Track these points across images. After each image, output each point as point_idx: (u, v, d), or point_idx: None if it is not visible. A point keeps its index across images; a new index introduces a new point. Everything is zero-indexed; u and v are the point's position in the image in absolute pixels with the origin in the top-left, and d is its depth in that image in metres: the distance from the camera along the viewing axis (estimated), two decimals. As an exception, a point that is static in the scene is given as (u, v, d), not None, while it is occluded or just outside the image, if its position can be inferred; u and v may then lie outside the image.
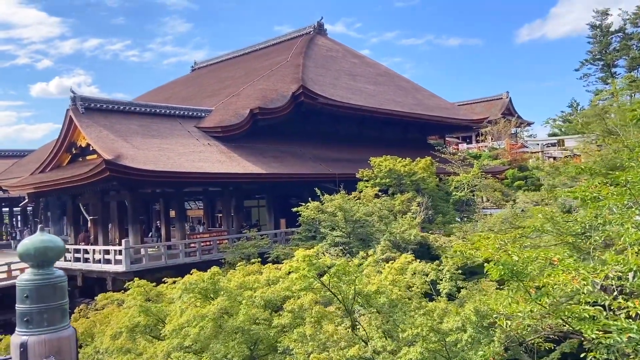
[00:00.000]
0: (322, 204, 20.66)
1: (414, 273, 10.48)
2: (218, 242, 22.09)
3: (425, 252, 19.51)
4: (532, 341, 8.25)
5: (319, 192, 21.25)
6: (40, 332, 3.46)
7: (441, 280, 11.37)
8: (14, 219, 45.77)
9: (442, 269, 11.64)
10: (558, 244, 8.86)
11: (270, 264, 16.05)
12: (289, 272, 9.52)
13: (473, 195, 25.41)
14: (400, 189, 23.51)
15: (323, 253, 20.20)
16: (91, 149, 21.57)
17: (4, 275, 22.73)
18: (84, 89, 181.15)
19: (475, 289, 10.79)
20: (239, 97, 28.06)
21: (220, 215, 31.42)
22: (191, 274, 13.19)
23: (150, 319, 8.47)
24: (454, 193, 23.44)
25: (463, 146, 49.89)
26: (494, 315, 6.83)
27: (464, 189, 22.94)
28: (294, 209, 21.52)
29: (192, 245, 21.43)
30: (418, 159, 25.07)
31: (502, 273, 5.55)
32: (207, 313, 7.43)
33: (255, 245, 20.50)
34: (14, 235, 34.60)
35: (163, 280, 12.25)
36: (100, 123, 21.50)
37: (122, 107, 23.23)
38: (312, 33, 36.51)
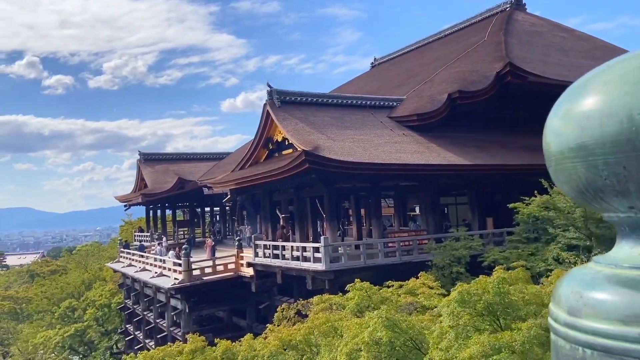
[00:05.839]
0: (552, 198, 16.85)
1: None
2: (418, 242, 19.76)
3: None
4: None
5: (546, 184, 17.47)
6: None
7: None
8: (213, 218, 49.82)
9: None
10: None
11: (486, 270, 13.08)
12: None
13: None
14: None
15: (554, 258, 16.54)
16: (287, 143, 21.01)
17: (210, 270, 23.57)
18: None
19: None
20: (433, 82, 25.38)
21: (411, 213, 29.08)
22: (417, 277, 10.94)
23: (398, 337, 6.29)
24: None
25: None
26: None
27: None
28: (510, 205, 18.21)
29: (391, 244, 19.41)
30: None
31: None
32: (512, 342, 4.87)
33: (466, 246, 17.64)
34: (237, 232, 35.81)
35: (387, 284, 10.16)
36: (295, 116, 20.83)
37: (315, 100, 22.41)
38: (508, 9, 32.03)
